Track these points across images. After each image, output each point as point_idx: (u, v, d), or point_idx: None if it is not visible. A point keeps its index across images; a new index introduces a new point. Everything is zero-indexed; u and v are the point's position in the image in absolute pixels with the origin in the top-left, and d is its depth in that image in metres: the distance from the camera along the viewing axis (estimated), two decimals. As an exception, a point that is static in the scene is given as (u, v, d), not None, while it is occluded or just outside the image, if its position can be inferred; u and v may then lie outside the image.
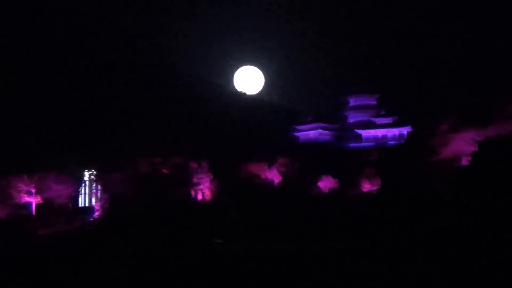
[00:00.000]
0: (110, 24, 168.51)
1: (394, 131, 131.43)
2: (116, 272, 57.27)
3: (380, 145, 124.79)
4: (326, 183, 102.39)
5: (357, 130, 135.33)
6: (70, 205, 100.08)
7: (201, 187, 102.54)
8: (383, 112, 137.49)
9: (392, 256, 61.29)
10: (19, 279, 54.71)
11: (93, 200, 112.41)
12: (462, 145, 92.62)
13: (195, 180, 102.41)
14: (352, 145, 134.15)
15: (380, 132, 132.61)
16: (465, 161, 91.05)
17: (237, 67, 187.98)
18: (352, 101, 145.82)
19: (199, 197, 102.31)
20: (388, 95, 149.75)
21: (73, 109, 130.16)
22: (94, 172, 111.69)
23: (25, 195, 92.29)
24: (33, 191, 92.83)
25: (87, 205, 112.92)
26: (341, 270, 54.86)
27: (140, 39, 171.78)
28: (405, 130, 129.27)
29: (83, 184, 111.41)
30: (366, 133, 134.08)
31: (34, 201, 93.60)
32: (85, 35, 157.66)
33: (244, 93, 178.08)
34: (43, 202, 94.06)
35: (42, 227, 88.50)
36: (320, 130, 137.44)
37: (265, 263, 60.66)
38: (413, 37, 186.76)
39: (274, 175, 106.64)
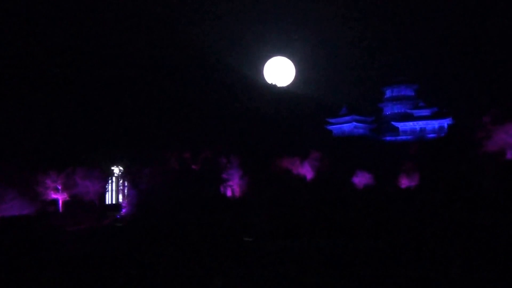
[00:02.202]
0: (136, 15, 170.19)
1: (434, 124, 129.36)
2: (145, 270, 57.98)
3: (419, 139, 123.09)
4: (361, 179, 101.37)
5: (394, 123, 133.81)
6: (97, 202, 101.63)
7: (230, 183, 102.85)
8: (421, 103, 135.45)
9: (433, 257, 60.46)
10: (46, 277, 55.82)
11: (120, 196, 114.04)
12: (507, 138, 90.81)
13: (224, 176, 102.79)
14: (388, 138, 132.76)
15: (418, 125, 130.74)
16: (510, 155, 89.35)
17: (267, 58, 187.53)
18: (389, 92, 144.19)
19: (229, 193, 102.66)
20: (427, 85, 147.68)
21: (98, 102, 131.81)
22: (121, 168, 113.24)
23: (52, 192, 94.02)
24: (60, 187, 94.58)
25: (113, 202, 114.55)
26: (378, 270, 54.40)
27: (164, 28, 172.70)
28: (445, 123, 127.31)
29: (109, 180, 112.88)
30: (403, 126, 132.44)
31: (60, 198, 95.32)
32: (115, 27, 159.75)
33: (275, 85, 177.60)
34: (69, 199, 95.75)
35: (69, 225, 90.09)
36: (354, 123, 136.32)
37: (297, 262, 60.56)
38: (453, 23, 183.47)
39: (306, 171, 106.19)
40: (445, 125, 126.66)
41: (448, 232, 73.84)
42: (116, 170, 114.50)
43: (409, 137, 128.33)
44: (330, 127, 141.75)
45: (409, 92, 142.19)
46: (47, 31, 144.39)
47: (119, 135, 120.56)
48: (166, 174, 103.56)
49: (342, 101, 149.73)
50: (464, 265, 53.94)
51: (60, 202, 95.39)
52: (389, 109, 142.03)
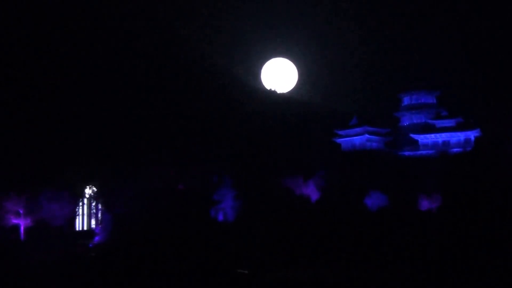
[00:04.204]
0: (125, 16, 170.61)
1: (459, 136, 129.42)
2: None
3: (442, 154, 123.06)
4: (374, 201, 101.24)
5: (412, 135, 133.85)
6: (66, 228, 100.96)
7: (222, 205, 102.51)
8: (444, 113, 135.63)
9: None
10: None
11: (93, 221, 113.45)
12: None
13: (215, 197, 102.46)
14: (406, 153, 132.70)
15: (441, 137, 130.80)
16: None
17: (265, 59, 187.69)
18: (407, 99, 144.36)
19: (220, 217, 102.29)
20: (450, 91, 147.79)
21: (68, 112, 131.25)
22: (95, 188, 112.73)
23: (13, 216, 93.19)
24: (22, 211, 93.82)
25: (85, 228, 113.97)
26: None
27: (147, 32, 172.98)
28: (472, 135, 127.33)
29: (80, 203, 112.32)
30: (424, 138, 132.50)
31: (23, 223, 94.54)
32: (100, 30, 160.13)
33: (274, 91, 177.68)
34: (33, 224, 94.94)
35: (32, 255, 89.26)
36: (367, 135, 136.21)
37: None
38: (477, 21, 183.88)
39: (311, 191, 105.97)
40: (472, 138, 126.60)
41: (476, 263, 73.44)
42: (88, 190, 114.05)
43: (430, 151, 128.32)
44: (338, 140, 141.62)
45: (430, 99, 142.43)
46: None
47: (92, 149, 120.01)
48: (147, 196, 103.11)
49: (353, 110, 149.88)
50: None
51: (22, 228, 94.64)
52: (407, 119, 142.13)
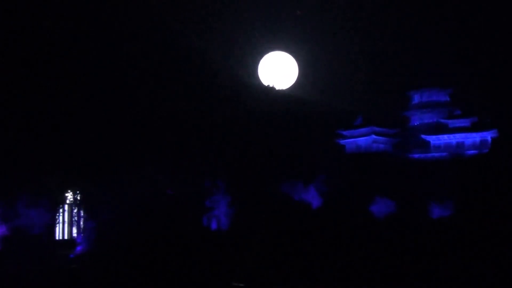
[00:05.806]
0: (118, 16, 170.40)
1: (474, 137, 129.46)
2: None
3: (455, 156, 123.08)
4: (381, 207, 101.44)
5: (423, 136, 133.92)
6: (45, 237, 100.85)
7: (215, 212, 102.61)
8: (458, 112, 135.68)
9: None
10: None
11: (75, 230, 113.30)
12: None
13: (208, 203, 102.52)
14: (416, 156, 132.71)
15: (454, 138, 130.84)
16: None
17: (263, 53, 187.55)
18: (417, 97, 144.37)
19: (214, 225, 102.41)
20: (464, 88, 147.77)
21: (46, 111, 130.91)
22: (77, 193, 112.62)
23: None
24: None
25: (66, 237, 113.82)
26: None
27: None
28: (488, 135, 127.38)
29: (60, 210, 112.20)
30: (435, 139, 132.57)
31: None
32: (82, 29, 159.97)
33: (272, 88, 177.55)
34: (10, 233, 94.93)
35: (8, 266, 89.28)
36: (373, 136, 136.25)
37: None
38: (493, 12, 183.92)
39: (311, 197, 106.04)
40: (489, 139, 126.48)
41: (492, 276, 73.56)
42: (70, 196, 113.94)
43: (442, 153, 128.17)
44: (342, 141, 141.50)
45: (443, 97, 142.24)
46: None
47: (74, 151, 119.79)
48: (134, 202, 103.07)
49: (358, 108, 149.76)
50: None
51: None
52: (417, 119, 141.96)
